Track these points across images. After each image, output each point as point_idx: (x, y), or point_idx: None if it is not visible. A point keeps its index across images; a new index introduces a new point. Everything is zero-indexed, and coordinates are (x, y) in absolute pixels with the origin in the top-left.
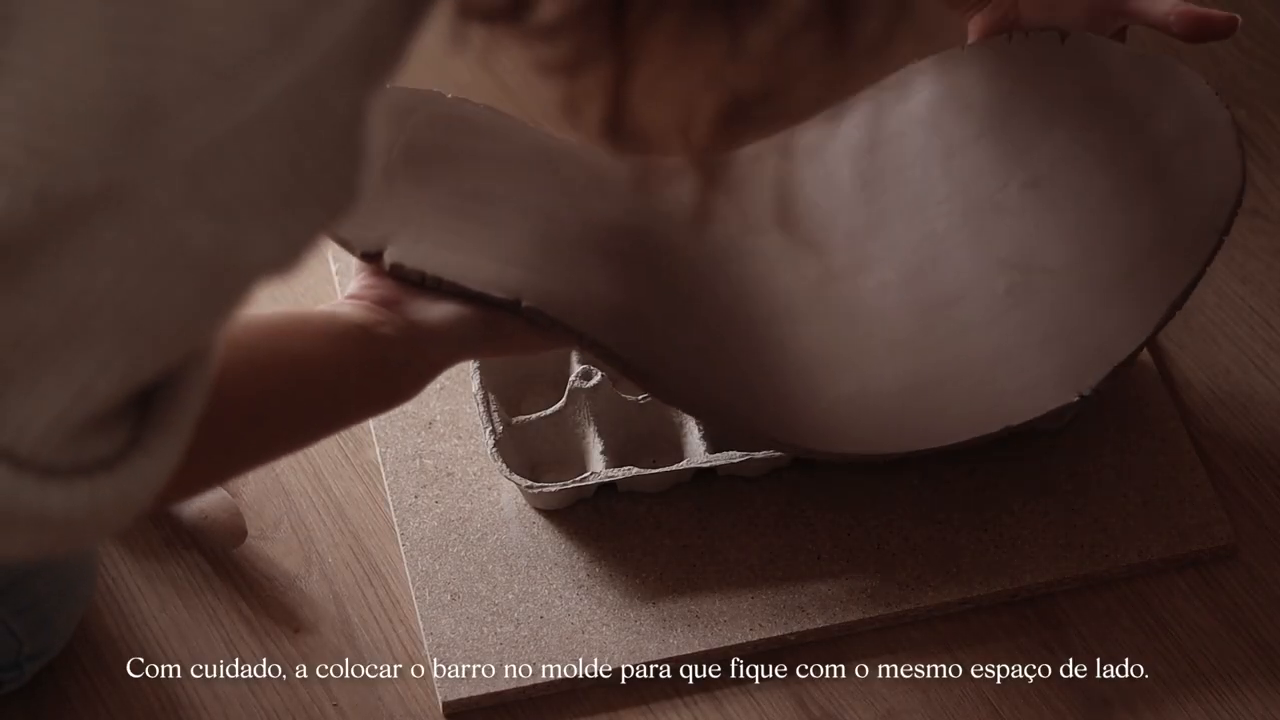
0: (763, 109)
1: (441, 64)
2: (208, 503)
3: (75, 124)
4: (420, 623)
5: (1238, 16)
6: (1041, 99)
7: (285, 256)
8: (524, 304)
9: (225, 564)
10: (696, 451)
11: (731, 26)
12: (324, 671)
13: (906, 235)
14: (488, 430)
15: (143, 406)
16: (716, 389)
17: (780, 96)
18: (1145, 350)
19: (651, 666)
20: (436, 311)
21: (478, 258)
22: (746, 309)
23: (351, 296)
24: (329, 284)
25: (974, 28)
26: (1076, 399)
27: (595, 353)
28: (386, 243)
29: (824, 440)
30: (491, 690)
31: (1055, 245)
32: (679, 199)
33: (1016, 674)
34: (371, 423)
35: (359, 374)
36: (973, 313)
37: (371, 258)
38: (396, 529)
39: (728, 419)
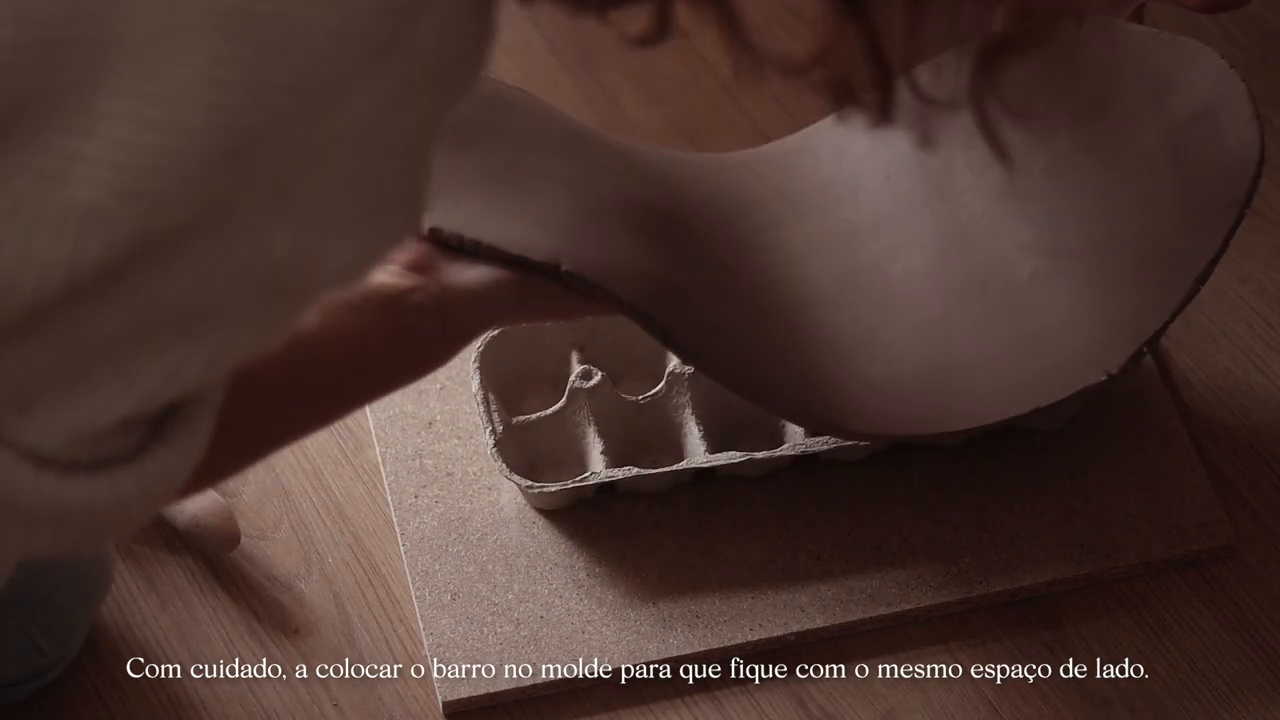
0: (1020, 37)
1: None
2: (200, 509)
3: (173, 162)
4: (420, 623)
5: None
6: (1059, 84)
7: (355, 268)
8: (564, 268)
9: (225, 564)
10: (696, 451)
11: None
12: (324, 671)
13: (931, 223)
14: (488, 430)
15: None
16: (761, 365)
17: (1030, 16)
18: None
19: (651, 666)
20: (471, 275)
21: (516, 223)
22: (781, 293)
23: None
24: None
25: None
26: (1104, 378)
27: (636, 318)
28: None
29: (852, 420)
30: (491, 690)
31: (1078, 228)
32: (710, 191)
33: (1016, 674)
34: (371, 422)
35: (385, 343)
36: (998, 297)
37: None
38: (396, 529)
39: (773, 396)
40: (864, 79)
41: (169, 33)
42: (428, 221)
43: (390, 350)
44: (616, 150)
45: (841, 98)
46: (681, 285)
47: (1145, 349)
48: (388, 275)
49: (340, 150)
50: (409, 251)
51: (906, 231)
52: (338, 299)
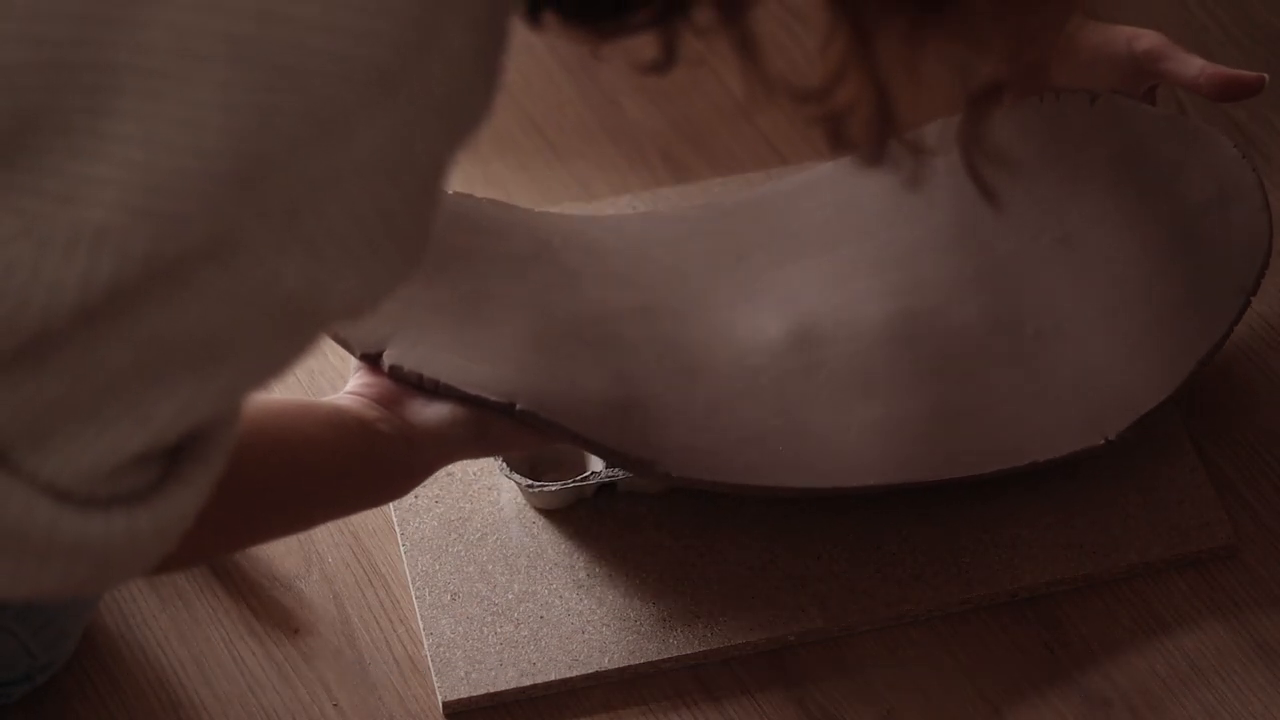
0: (1013, 78)
1: None
2: None
3: (186, 184)
4: (420, 623)
5: (1265, 75)
6: (1072, 158)
7: (362, 300)
8: (518, 407)
9: (225, 564)
10: None
11: (947, 6)
12: (324, 671)
13: (934, 272)
14: None
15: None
16: (729, 453)
17: (1025, 60)
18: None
19: (651, 666)
20: (431, 413)
21: (474, 359)
22: (775, 335)
23: (351, 393)
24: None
25: None
26: (1102, 442)
27: (592, 450)
28: (386, 344)
29: (850, 475)
30: (491, 690)
31: (1084, 299)
32: (707, 246)
33: (1016, 674)
34: None
35: (360, 466)
36: (1000, 351)
37: (371, 359)
38: (396, 529)
39: (744, 482)
40: (864, 116)
41: (182, 58)
42: (389, 359)
43: (360, 471)
44: (585, 249)
45: (839, 134)
46: (640, 395)
47: (1148, 420)
48: (358, 405)
49: (351, 181)
50: (374, 387)
51: (911, 275)
52: (318, 413)
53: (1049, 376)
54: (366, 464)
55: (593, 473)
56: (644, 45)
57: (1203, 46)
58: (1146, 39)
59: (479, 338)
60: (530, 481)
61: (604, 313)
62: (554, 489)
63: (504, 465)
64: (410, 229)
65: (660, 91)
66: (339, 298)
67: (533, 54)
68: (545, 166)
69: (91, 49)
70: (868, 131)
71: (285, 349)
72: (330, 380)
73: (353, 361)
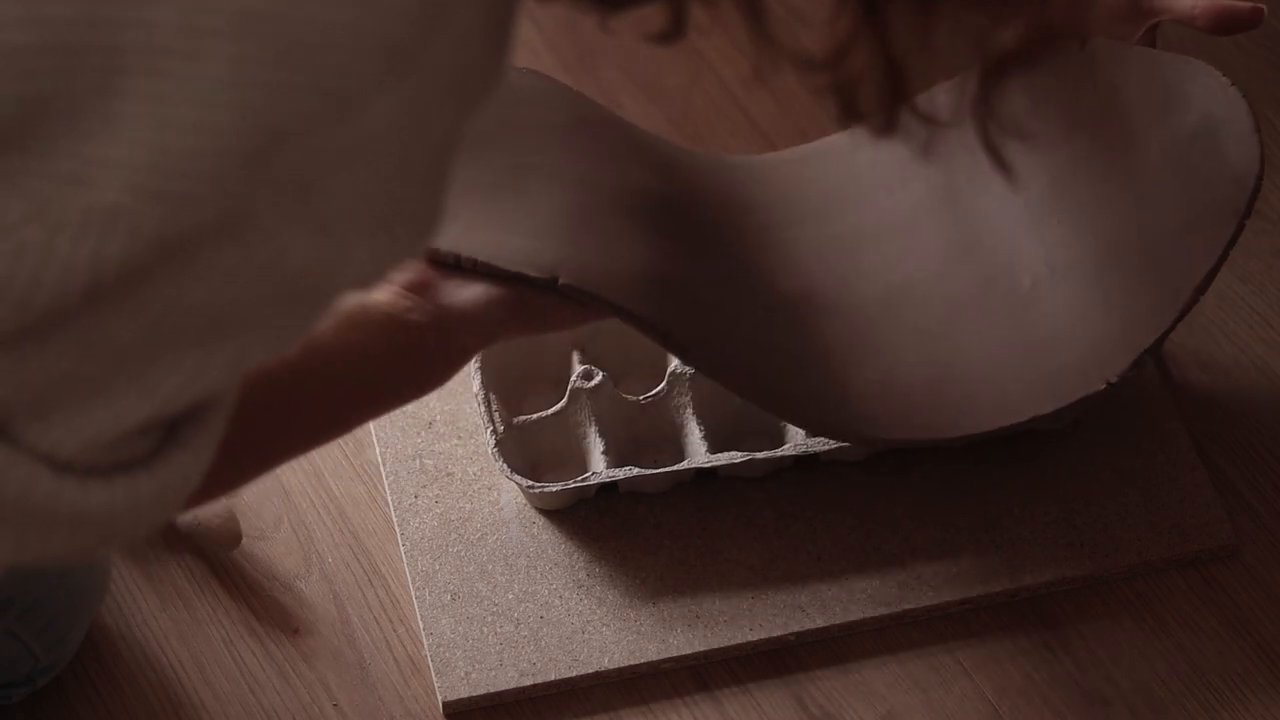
0: (1029, 46)
1: None
2: (202, 508)
3: (196, 163)
4: (420, 623)
5: (1262, 6)
6: (1062, 104)
7: (371, 275)
8: (561, 281)
9: (225, 564)
10: (697, 451)
11: None
12: (324, 671)
13: (934, 234)
14: (489, 430)
15: None
16: (762, 363)
17: (1040, 26)
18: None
19: (651, 666)
20: (468, 293)
21: (513, 235)
22: (782, 292)
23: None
24: None
25: None
26: (1104, 386)
27: (634, 323)
28: None
29: (858, 426)
30: (491, 690)
31: (1078, 240)
32: (717, 186)
33: (1016, 674)
34: (371, 423)
35: (390, 362)
36: (998, 306)
37: None
38: (396, 529)
39: (771, 395)
40: (874, 86)
41: (190, 36)
42: None
43: (391, 367)
44: (624, 134)
45: (849, 103)
46: (683, 278)
47: (1146, 357)
48: (387, 294)
49: (362, 156)
50: (407, 271)
51: (910, 241)
52: (341, 315)
53: (1047, 326)
54: (396, 357)
55: (594, 473)
56: (652, 16)
57: (1203, 46)
58: None
59: (519, 211)
60: (530, 482)
61: (644, 193)
62: (555, 489)
63: (504, 466)
64: (420, 205)
65: (660, 91)
66: (348, 273)
67: (533, 53)
68: None
69: (98, 29)
70: (878, 101)
71: (292, 323)
72: None
73: None
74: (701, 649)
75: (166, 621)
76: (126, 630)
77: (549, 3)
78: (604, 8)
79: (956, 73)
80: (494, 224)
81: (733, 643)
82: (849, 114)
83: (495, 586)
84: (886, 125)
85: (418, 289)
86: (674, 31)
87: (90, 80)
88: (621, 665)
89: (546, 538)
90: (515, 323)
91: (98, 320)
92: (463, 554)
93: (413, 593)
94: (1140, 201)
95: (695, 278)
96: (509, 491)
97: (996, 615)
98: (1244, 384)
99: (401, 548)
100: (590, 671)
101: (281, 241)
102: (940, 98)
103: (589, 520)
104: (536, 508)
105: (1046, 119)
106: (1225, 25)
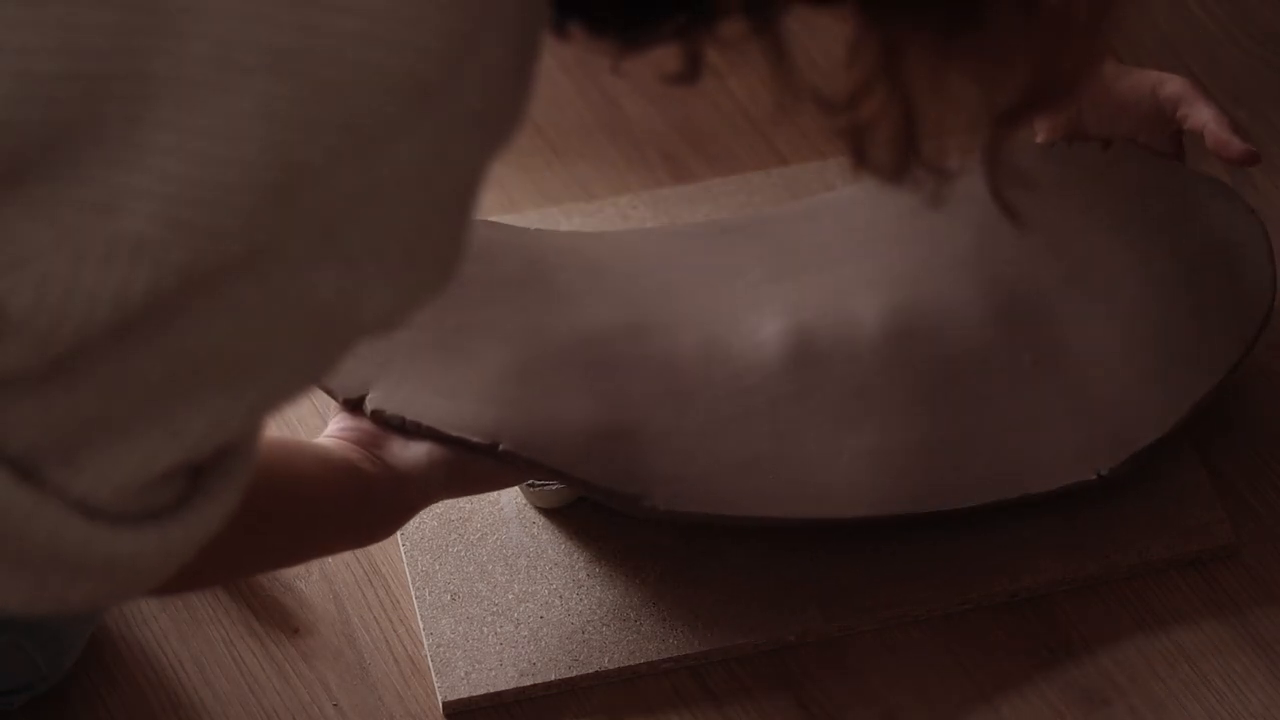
0: (1039, 98)
1: None
2: None
3: (225, 196)
4: (420, 623)
5: (1258, 154)
6: (1082, 201)
7: (395, 314)
8: (501, 447)
9: None
10: None
11: (977, 24)
12: (324, 671)
13: (935, 295)
14: None
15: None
16: (719, 482)
17: (1051, 79)
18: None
19: (651, 666)
20: (411, 453)
21: (457, 399)
22: (767, 354)
23: (331, 435)
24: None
25: (1040, 126)
26: (1095, 477)
27: (576, 486)
28: (368, 388)
29: (840, 505)
30: (491, 690)
31: (1086, 335)
32: (704, 262)
33: (1016, 674)
34: None
35: (349, 504)
36: (998, 380)
37: (353, 404)
38: None
39: (734, 513)
40: (888, 130)
41: (223, 69)
42: (371, 404)
43: (352, 510)
44: (582, 267)
45: (862, 148)
46: (628, 421)
47: (1146, 455)
48: (341, 447)
49: (389, 193)
50: (354, 430)
51: (912, 295)
52: (309, 450)
53: (1045, 407)
54: (357, 501)
55: None
56: (666, 57)
57: (1203, 46)
58: (1171, 84)
59: (463, 375)
60: (530, 481)
61: (596, 333)
62: (554, 489)
63: None
64: (445, 241)
65: (660, 92)
66: (373, 310)
67: None
68: (545, 167)
69: (128, 59)
70: (891, 147)
71: (316, 362)
72: (311, 429)
73: (332, 404)
74: (701, 649)
75: (166, 621)
76: (126, 630)
77: (567, 40)
78: (619, 49)
79: (968, 124)
80: (439, 387)
81: (733, 643)
82: (861, 160)
83: (495, 586)
84: (897, 172)
85: (366, 445)
86: (690, 73)
87: (119, 109)
88: (621, 665)
89: (546, 538)
90: (457, 484)
91: (123, 358)
92: (463, 554)
93: (413, 593)
94: (1152, 312)
95: (647, 412)
96: (509, 491)
97: (996, 615)
98: (1244, 384)
99: (401, 547)
100: (590, 671)
101: (307, 277)
102: (950, 150)
103: (589, 520)
104: (536, 507)
105: (1067, 206)
106: (1220, 154)
